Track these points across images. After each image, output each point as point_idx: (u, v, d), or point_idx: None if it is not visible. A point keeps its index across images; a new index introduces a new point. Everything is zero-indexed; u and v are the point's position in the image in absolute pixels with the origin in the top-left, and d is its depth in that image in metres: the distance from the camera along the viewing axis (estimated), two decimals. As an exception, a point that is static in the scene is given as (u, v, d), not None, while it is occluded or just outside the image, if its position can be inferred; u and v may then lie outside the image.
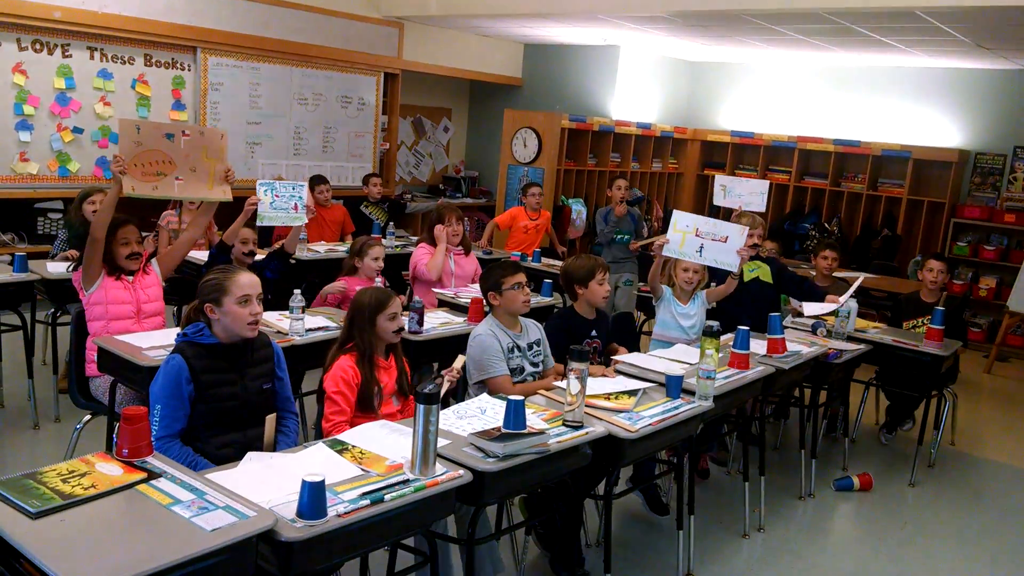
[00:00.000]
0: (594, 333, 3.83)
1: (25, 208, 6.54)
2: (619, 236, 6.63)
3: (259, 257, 4.75)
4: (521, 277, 3.49)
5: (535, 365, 3.51)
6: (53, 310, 4.75)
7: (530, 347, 3.52)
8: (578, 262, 3.86)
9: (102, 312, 3.72)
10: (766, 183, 6.16)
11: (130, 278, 3.81)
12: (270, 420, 2.84)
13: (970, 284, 8.12)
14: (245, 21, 7.40)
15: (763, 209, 5.90)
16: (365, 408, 2.95)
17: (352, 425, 2.78)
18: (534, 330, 3.60)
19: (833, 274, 5.58)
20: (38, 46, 6.31)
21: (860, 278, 5.04)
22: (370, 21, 8.39)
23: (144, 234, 5.53)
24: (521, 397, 2.63)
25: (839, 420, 5.21)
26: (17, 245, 6.37)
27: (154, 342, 3.34)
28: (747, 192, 6.01)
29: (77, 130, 6.60)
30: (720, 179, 6.14)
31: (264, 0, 7.49)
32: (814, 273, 5.65)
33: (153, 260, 4.05)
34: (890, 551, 3.95)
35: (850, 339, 4.62)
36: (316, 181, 6.61)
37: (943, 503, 4.56)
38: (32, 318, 4.70)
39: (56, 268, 4.60)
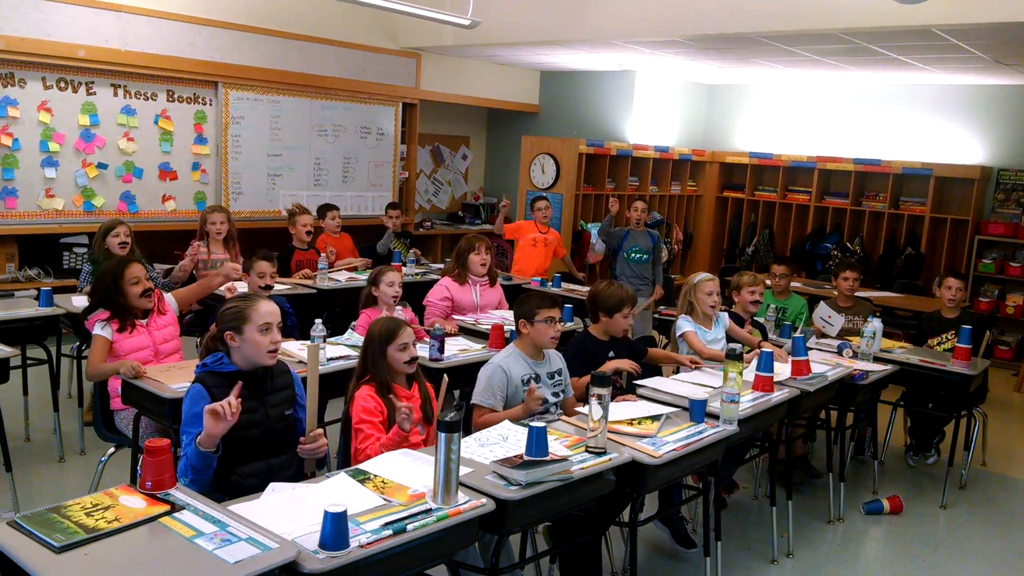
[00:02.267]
0: (611, 355, 3.82)
1: (51, 243, 6.63)
2: (636, 254, 6.59)
3: (279, 288, 4.78)
4: (555, 313, 3.47)
5: (556, 395, 3.49)
6: (78, 343, 4.79)
7: (551, 376, 3.50)
8: (610, 290, 3.87)
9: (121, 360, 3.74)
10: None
11: (143, 321, 3.84)
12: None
13: (996, 302, 8.02)
14: (265, 55, 7.51)
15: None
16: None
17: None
18: (556, 360, 3.59)
19: (855, 294, 5.52)
20: (63, 84, 6.43)
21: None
22: (388, 52, 8.48)
23: (168, 266, 5.64)
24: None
25: (867, 442, 5.14)
26: (43, 280, 6.45)
27: (178, 377, 3.35)
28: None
29: (101, 166, 6.70)
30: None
31: (283, 34, 7.61)
32: (836, 293, 5.60)
33: (169, 296, 4.07)
34: (922, 575, 3.87)
35: (876, 360, 4.56)
36: (326, 208, 6.62)
37: (975, 525, 4.47)
38: (57, 352, 4.76)
39: (81, 302, 4.64)
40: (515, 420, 3.18)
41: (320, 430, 2.80)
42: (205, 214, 5.69)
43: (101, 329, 3.72)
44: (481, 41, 7.80)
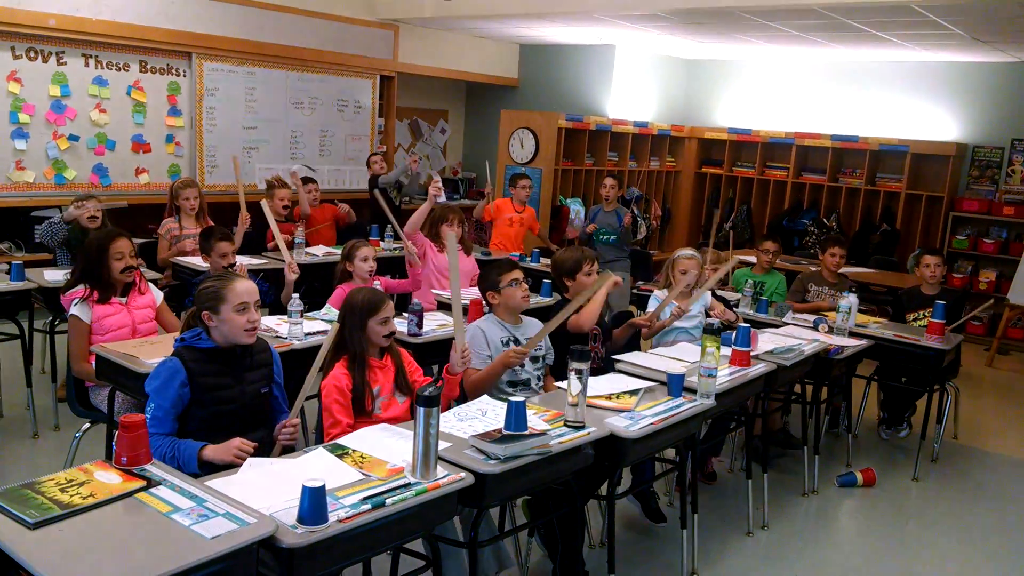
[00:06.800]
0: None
1: (21, 216, 6.51)
2: (605, 236, 6.68)
3: (253, 264, 4.73)
4: (518, 274, 3.48)
5: (535, 360, 3.50)
6: (51, 318, 4.73)
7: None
8: (565, 254, 3.88)
9: (99, 339, 3.69)
10: None
11: (123, 299, 3.78)
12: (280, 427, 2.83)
13: (970, 277, 8.12)
14: (240, 26, 7.38)
15: None
16: (359, 412, 2.93)
17: (353, 430, 2.76)
18: (536, 327, 3.58)
19: (839, 271, 5.54)
20: (32, 54, 6.29)
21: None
22: (365, 24, 8.37)
23: (140, 240, 5.56)
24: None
25: (841, 416, 5.20)
26: (14, 254, 6.36)
27: (154, 352, 3.32)
28: None
29: (73, 138, 6.58)
30: None
31: (259, 5, 7.48)
32: (819, 269, 5.62)
33: (153, 287, 4.01)
34: (895, 546, 3.94)
35: (851, 335, 4.61)
36: (304, 182, 6.56)
37: (947, 497, 4.55)
38: (30, 327, 4.68)
39: (53, 276, 4.59)
40: (497, 375, 3.24)
41: (297, 420, 2.77)
42: (176, 188, 5.59)
43: (78, 308, 3.66)
44: (460, 13, 7.72)
